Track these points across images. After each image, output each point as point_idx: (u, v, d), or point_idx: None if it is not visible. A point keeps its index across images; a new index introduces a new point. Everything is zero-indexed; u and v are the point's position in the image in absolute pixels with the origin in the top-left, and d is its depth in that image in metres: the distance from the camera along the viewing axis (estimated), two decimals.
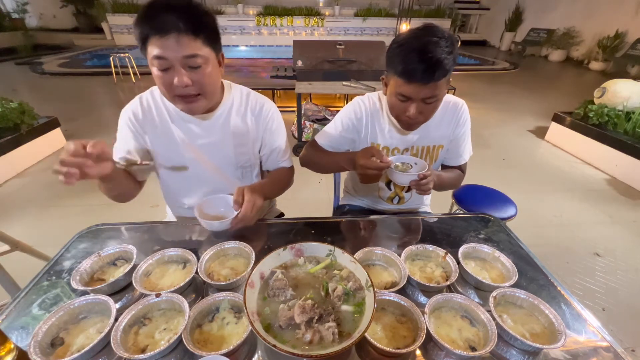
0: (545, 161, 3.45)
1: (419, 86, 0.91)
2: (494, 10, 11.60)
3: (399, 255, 0.83)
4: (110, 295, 0.71)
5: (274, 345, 0.53)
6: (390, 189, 1.28)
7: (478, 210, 1.33)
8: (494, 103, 5.28)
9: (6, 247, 1.38)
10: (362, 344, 0.65)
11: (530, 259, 0.91)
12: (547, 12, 9.60)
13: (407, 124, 1.05)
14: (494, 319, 0.66)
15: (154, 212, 2.25)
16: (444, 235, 1.03)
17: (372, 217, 1.13)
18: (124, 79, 5.93)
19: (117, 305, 0.70)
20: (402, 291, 0.75)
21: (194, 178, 1.09)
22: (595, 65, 7.90)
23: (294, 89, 3.23)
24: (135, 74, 5.85)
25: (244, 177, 1.16)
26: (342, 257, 0.74)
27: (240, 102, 1.06)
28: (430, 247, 0.88)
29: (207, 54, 0.86)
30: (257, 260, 0.72)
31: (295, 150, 3.21)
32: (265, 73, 5.71)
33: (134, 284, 0.73)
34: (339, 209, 1.49)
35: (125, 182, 1.00)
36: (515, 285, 0.75)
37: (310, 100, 4.10)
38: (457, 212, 1.69)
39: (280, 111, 1.15)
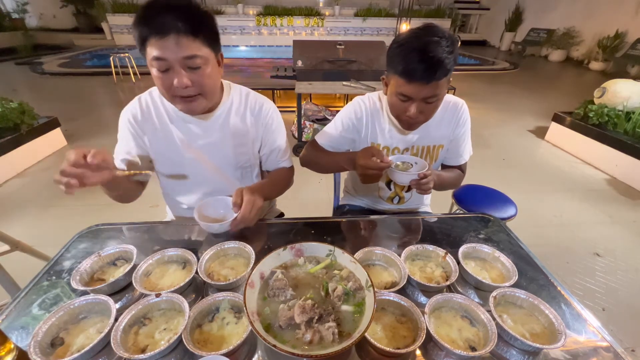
0: (545, 161, 3.45)
1: (419, 86, 0.91)
2: (494, 10, 11.60)
3: (399, 255, 0.83)
4: (110, 295, 0.71)
5: (274, 345, 0.53)
6: (390, 189, 1.28)
7: (478, 210, 1.33)
8: (494, 103, 5.28)
9: (6, 247, 1.38)
10: (362, 344, 0.65)
11: (530, 259, 0.91)
12: (547, 12, 9.60)
13: (408, 124, 1.05)
14: (494, 319, 0.66)
15: (154, 212, 2.25)
16: (444, 235, 1.03)
17: (372, 217, 1.13)
18: (124, 79, 5.94)
19: (117, 305, 0.70)
20: (402, 291, 0.75)
21: (193, 179, 1.09)
22: (595, 65, 7.90)
23: (294, 89, 3.23)
24: (135, 74, 5.86)
25: (244, 178, 1.16)
26: (342, 257, 0.74)
27: (239, 102, 1.06)
28: (430, 247, 0.88)
29: (207, 54, 0.86)
30: (257, 260, 0.72)
31: (295, 150, 3.21)
32: (266, 73, 5.70)
33: (134, 284, 0.73)
34: (339, 209, 1.49)
35: (127, 185, 1.00)
36: (515, 285, 0.75)
37: (310, 100, 4.10)
38: (457, 212, 1.69)
39: (280, 111, 1.15)
